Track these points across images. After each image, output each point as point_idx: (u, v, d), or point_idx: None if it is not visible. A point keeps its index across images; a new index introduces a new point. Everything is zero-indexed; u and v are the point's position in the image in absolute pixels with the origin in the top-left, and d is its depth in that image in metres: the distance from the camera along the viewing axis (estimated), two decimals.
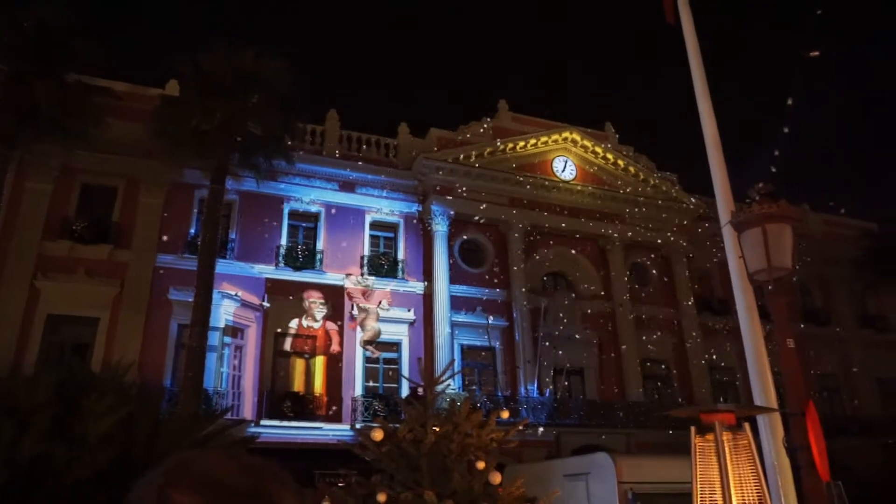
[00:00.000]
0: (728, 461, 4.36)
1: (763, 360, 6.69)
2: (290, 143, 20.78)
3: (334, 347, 22.12)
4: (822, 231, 31.13)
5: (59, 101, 17.11)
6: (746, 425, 4.57)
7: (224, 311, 20.23)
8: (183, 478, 1.03)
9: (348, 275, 23.00)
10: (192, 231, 21.63)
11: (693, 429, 4.60)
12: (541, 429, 21.78)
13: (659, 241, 28.03)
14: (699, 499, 4.38)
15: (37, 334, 19.01)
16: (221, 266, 19.61)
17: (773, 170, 6.21)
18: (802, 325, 26.90)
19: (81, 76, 18.00)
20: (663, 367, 26.71)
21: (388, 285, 23.50)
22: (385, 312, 22.94)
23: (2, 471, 7.53)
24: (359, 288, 22.93)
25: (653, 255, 28.33)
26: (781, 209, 5.73)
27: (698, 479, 4.44)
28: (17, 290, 19.06)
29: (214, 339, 19.11)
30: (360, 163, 24.36)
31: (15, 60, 16.99)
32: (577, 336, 25.13)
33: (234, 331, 20.84)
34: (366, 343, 22.51)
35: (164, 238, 21.16)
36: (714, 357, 26.69)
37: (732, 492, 4.30)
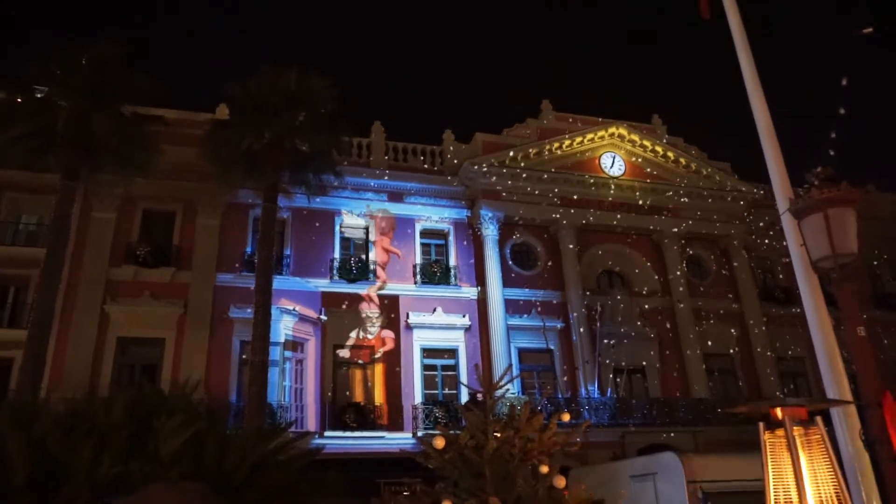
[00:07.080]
0: (801, 457, 4.19)
1: (833, 351, 6.42)
2: (337, 157, 21.13)
3: (391, 357, 22.30)
4: (890, 211, 29.76)
5: (116, 133, 17.78)
6: (819, 419, 4.39)
7: (283, 327, 20.66)
8: None
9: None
10: (249, 249, 22.19)
11: (762, 424, 4.45)
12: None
13: (715, 232, 27.35)
14: (773, 496, 4.22)
15: (109, 357, 19.85)
16: (278, 282, 20.06)
17: (832, 153, 5.97)
18: (875, 312, 25.74)
19: (136, 107, 18.67)
20: (728, 361, 25.99)
21: (442, 292, 23.58)
22: (440, 319, 23.05)
23: (84, 490, 7.84)
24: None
25: (710, 247, 27.67)
26: (843, 192, 5.51)
27: (771, 477, 4.28)
28: (89, 316, 19.95)
29: (276, 353, 19.54)
30: (406, 172, 24.58)
31: (73, 96, 17.73)
32: (636, 333, 24.70)
33: (294, 345, 21.24)
34: None
35: (222, 257, 21.80)
36: (781, 348, 25.80)
37: (809, 489, 4.13)
